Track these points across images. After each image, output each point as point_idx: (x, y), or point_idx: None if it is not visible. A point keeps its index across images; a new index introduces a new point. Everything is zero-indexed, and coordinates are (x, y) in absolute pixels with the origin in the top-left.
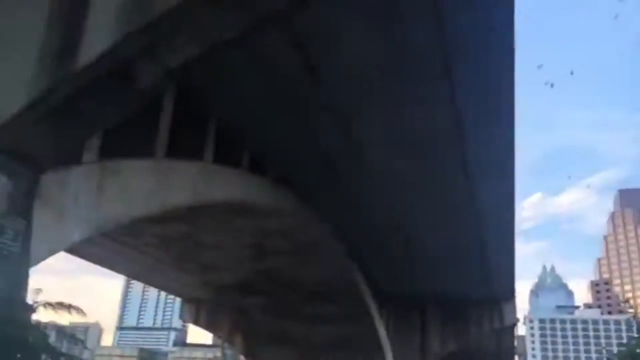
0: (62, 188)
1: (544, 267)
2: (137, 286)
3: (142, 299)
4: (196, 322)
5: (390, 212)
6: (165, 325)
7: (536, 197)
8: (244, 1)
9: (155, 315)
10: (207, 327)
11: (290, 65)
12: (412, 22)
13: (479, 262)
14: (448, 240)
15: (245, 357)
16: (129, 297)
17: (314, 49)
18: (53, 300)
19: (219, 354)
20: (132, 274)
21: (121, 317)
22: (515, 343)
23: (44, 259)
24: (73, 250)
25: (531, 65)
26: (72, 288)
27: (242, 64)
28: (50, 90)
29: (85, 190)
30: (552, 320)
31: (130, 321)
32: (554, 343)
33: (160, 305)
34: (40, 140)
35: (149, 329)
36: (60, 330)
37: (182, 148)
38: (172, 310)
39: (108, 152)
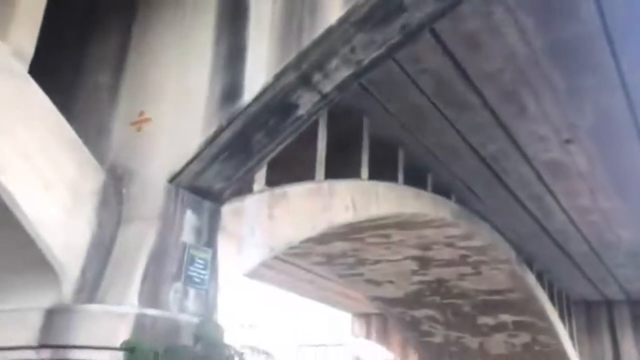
0: (238, 217)
1: None
2: (310, 304)
3: (316, 318)
4: (367, 337)
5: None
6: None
7: None
8: (390, 17)
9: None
10: (379, 341)
11: (443, 71)
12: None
13: None
14: (633, 230)
15: None
16: (302, 315)
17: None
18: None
19: None
20: (303, 293)
21: (296, 334)
22: None
23: (227, 285)
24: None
25: None
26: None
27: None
28: (221, 128)
29: (257, 217)
30: None
31: (306, 338)
32: None
33: (333, 323)
34: (217, 176)
35: (324, 345)
36: (253, 348)
37: (339, 169)
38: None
39: (273, 180)
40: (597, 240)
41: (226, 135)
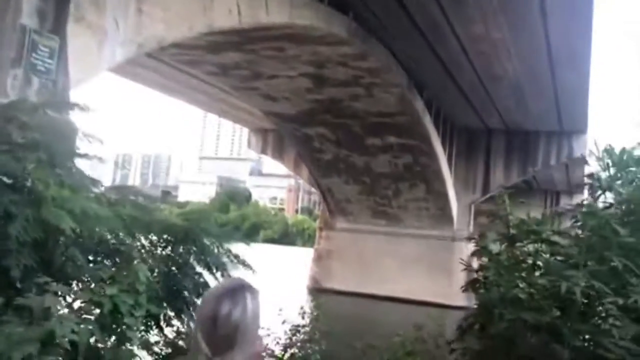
0: (99, 8)
1: None
2: (212, 119)
3: (218, 132)
4: (264, 152)
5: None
6: (241, 157)
7: None
8: None
9: (232, 147)
10: (274, 156)
11: None
12: None
13: (551, 89)
14: (518, 64)
15: (310, 185)
16: (206, 128)
17: None
18: None
19: (292, 182)
20: (196, 102)
21: (201, 147)
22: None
23: (87, 79)
24: (134, 75)
25: None
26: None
27: None
28: None
29: (124, 11)
30: None
31: (209, 152)
32: None
33: (236, 138)
34: None
35: (227, 159)
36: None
37: None
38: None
39: None
40: (485, 71)
41: None
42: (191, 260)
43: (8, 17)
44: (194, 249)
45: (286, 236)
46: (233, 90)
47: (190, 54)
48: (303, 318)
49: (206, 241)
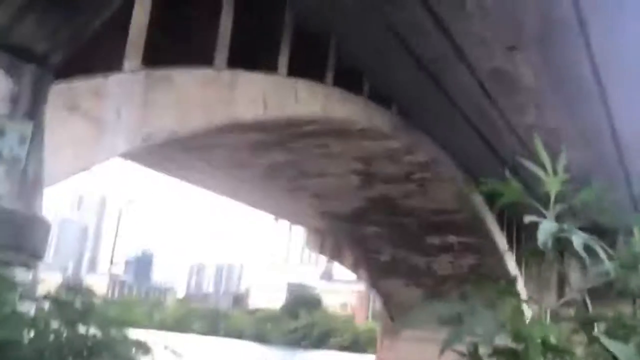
0: (99, 97)
1: None
2: (284, 222)
3: (290, 236)
4: (322, 252)
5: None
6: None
7: None
8: None
9: (303, 251)
10: (332, 257)
11: None
12: None
13: (622, 177)
14: (580, 153)
15: (370, 288)
16: (277, 232)
17: None
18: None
19: (362, 286)
20: (251, 203)
21: (272, 252)
22: None
23: (81, 171)
24: (187, 178)
25: None
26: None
27: None
28: None
29: (127, 101)
30: None
31: (280, 257)
32: None
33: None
34: (37, 32)
35: (298, 264)
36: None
37: (251, 58)
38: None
39: (160, 60)
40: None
41: None
42: None
43: None
44: None
45: (356, 343)
46: (283, 191)
47: (237, 156)
48: None
49: None
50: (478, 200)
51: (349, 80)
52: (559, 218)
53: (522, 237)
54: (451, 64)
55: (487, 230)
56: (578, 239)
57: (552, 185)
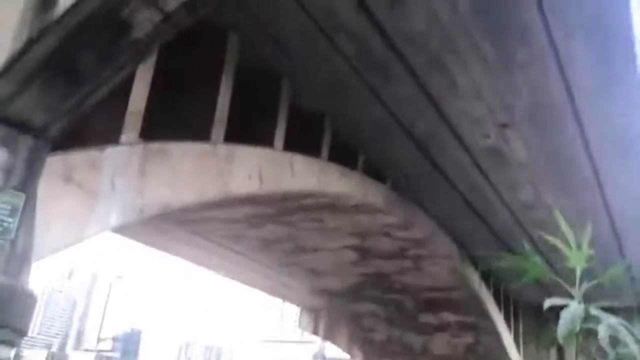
0: (94, 170)
1: None
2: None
3: (282, 312)
4: (315, 332)
5: (510, 204)
6: (304, 340)
7: None
8: None
9: (295, 331)
10: (326, 337)
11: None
12: None
13: (619, 260)
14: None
15: None
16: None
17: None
18: None
19: None
20: (243, 280)
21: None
22: None
23: (74, 243)
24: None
25: None
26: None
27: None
28: (31, 42)
29: (123, 173)
30: None
31: (271, 334)
32: None
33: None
34: (37, 105)
35: (288, 342)
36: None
37: (248, 134)
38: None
39: (157, 135)
40: (545, 242)
41: (40, 52)
42: None
43: None
44: None
45: None
46: (278, 266)
47: (234, 228)
48: None
49: None
50: (474, 277)
51: (344, 154)
52: (585, 298)
53: (519, 313)
54: (443, 141)
55: (484, 308)
56: (604, 330)
57: (577, 260)
